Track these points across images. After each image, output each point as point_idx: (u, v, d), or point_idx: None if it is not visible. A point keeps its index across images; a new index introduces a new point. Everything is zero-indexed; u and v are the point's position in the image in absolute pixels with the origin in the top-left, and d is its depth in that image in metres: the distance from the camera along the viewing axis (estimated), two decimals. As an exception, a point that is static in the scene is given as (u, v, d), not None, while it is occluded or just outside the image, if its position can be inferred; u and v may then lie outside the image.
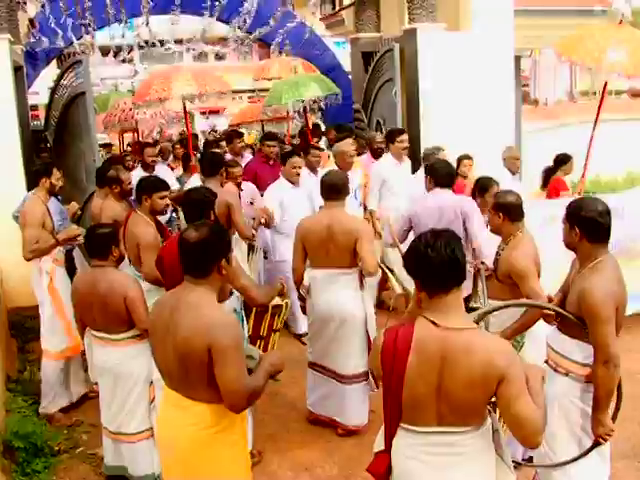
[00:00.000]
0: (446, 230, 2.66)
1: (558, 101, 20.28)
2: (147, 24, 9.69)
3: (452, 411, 2.57)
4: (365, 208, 7.51)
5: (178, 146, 10.38)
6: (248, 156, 9.04)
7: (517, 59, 9.56)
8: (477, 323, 2.95)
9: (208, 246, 3.00)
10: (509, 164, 7.70)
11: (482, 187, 5.61)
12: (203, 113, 24.40)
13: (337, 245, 4.88)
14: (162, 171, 8.27)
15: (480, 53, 8.83)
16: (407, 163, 7.70)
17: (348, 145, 7.10)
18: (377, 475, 2.83)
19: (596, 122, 6.97)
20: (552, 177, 7.84)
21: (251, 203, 7.15)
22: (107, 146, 13.58)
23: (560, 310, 3.52)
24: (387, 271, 5.11)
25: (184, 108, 8.33)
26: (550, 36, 18.87)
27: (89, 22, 9.42)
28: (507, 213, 4.27)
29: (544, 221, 5.86)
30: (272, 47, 11.68)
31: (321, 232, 4.90)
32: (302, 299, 5.27)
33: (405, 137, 7.47)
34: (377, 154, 7.95)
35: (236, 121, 15.35)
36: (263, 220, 6.59)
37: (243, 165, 7.49)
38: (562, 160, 7.89)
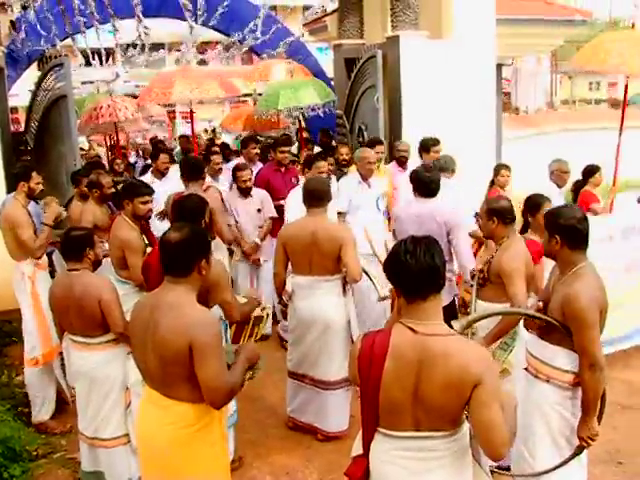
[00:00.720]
0: (426, 237, 2.66)
1: (538, 109, 20.45)
2: (143, 27, 9.62)
3: (428, 416, 2.58)
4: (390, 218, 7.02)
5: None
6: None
7: (498, 67, 9.65)
8: (463, 331, 2.99)
9: (188, 246, 3.05)
10: (556, 178, 7.12)
11: (534, 205, 4.95)
12: (185, 117, 24.34)
13: (321, 252, 4.87)
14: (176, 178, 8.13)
15: (462, 61, 8.91)
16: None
17: (369, 151, 6.73)
18: (354, 479, 2.83)
19: (621, 129, 6.93)
20: (581, 190, 7.42)
21: (259, 210, 7.01)
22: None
23: (544, 317, 3.55)
24: (370, 276, 5.11)
25: (191, 112, 8.31)
26: (531, 45, 19.07)
27: (70, 23, 9.33)
28: (501, 217, 4.40)
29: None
30: (263, 55, 11.68)
31: (305, 239, 4.87)
32: (284, 305, 5.25)
33: (440, 147, 7.24)
34: (402, 163, 7.67)
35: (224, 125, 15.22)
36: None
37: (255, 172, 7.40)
38: (590, 171, 7.40)
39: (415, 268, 2.54)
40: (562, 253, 3.53)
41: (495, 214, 4.42)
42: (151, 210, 5.23)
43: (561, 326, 3.45)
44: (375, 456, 2.75)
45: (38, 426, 5.39)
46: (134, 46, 11.87)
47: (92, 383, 4.31)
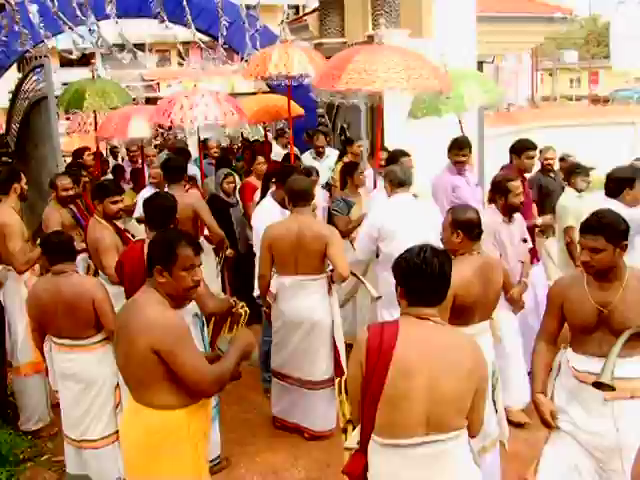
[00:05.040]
0: (444, 251, 2.86)
1: (520, 106, 20.59)
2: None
3: (439, 408, 2.61)
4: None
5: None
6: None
7: (480, 65, 9.70)
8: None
9: (150, 247, 3.20)
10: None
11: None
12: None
13: (307, 251, 4.86)
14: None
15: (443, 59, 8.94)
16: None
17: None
18: (354, 476, 2.83)
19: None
20: None
21: None
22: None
23: None
24: (361, 278, 5.12)
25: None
26: (512, 42, 19.20)
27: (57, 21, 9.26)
28: (467, 231, 3.92)
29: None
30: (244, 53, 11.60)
31: (290, 238, 4.86)
32: (267, 306, 5.25)
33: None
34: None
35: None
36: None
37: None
38: None
39: (437, 278, 2.69)
40: (621, 259, 3.28)
41: (460, 227, 3.91)
42: (120, 210, 5.28)
43: None
44: (380, 472, 2.74)
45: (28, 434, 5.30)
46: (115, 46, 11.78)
47: (82, 384, 4.30)
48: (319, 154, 8.66)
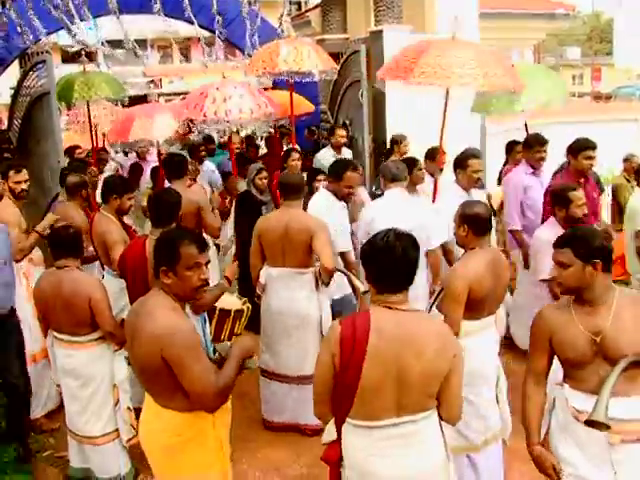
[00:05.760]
0: (408, 234, 2.78)
1: (522, 103, 20.53)
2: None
3: (412, 392, 2.66)
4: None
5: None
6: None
7: (482, 61, 9.67)
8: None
9: (155, 249, 3.10)
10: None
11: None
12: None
13: (293, 243, 4.89)
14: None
15: (445, 55, 8.92)
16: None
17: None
18: (331, 463, 2.91)
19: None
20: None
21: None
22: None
23: None
24: (346, 271, 5.10)
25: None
26: (515, 39, 19.16)
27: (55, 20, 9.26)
28: (472, 226, 3.88)
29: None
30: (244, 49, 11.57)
31: (278, 230, 4.92)
32: (257, 297, 5.23)
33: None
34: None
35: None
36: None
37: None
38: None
39: (399, 261, 2.68)
40: (598, 280, 2.95)
41: (467, 221, 3.88)
42: (132, 206, 5.37)
43: None
44: (355, 452, 2.78)
45: (31, 423, 5.33)
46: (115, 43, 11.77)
47: (81, 380, 4.31)
48: (337, 149, 8.03)
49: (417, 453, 2.73)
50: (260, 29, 10.80)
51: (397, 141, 8.19)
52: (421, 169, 6.38)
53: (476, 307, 3.81)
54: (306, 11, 14.59)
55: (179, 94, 27.26)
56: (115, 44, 10.23)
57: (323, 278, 4.91)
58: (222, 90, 5.94)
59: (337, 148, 7.99)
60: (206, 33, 11.16)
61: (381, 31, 8.89)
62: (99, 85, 8.26)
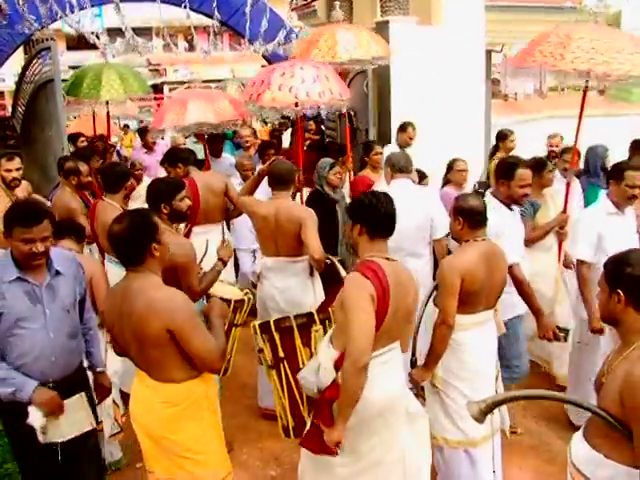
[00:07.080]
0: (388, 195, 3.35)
1: (527, 96, 20.49)
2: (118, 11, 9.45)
3: (403, 325, 3.32)
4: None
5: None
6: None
7: (488, 53, 9.65)
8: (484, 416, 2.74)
9: (133, 235, 3.04)
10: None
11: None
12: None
13: (284, 232, 4.88)
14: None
15: (451, 47, 8.90)
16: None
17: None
18: (331, 402, 3.15)
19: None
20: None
21: None
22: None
23: (596, 410, 2.50)
24: (333, 259, 5.07)
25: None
26: (520, 32, 19.08)
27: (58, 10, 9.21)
28: (467, 218, 3.87)
29: None
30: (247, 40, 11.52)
31: (269, 221, 4.91)
32: (253, 285, 5.24)
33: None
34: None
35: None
36: None
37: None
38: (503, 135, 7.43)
39: (389, 211, 3.27)
40: (626, 316, 2.52)
41: (461, 213, 3.88)
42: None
43: (617, 425, 2.42)
44: (383, 381, 3.25)
45: None
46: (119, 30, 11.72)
47: None
48: (405, 146, 7.33)
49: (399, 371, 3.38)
50: (270, 21, 10.78)
51: (504, 136, 7.70)
52: (551, 170, 5.76)
53: (471, 300, 3.80)
54: (312, 1, 14.51)
55: (184, 83, 27.16)
56: (119, 33, 10.15)
57: (314, 266, 4.92)
58: (288, 70, 5.51)
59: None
60: (209, 22, 11.11)
61: (387, 22, 8.83)
62: (127, 81, 8.22)
